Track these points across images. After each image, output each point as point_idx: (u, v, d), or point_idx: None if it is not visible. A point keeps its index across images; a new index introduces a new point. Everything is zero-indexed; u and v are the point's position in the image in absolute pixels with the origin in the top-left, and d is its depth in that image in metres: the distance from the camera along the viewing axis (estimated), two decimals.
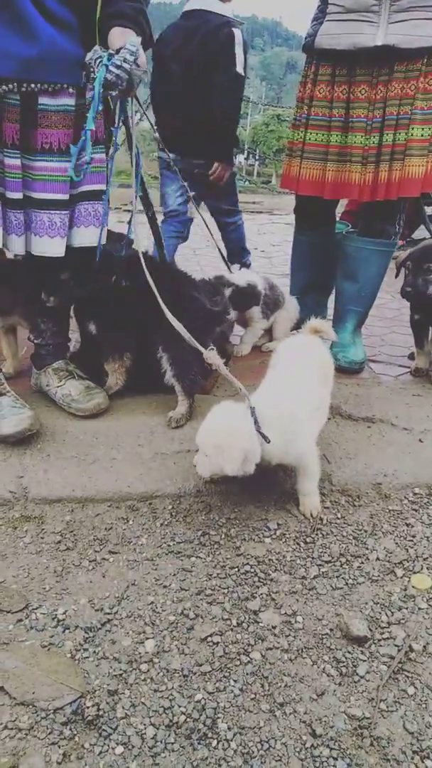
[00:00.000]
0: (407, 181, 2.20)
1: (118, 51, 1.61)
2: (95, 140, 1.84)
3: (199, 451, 1.64)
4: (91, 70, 1.65)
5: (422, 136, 2.16)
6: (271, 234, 5.87)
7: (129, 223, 2.00)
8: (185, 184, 2.72)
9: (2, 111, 1.68)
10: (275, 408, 1.65)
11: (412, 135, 2.15)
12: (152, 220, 2.20)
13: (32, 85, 1.67)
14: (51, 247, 1.84)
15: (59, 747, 1.09)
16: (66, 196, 1.82)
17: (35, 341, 2.16)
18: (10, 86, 1.65)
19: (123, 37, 1.64)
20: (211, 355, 1.78)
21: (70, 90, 1.74)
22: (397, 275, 2.43)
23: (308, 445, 1.69)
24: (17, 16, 1.58)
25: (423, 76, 2.11)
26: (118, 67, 1.60)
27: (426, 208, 5.88)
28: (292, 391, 1.70)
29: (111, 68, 1.60)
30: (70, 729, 1.13)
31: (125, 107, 1.78)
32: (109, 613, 1.38)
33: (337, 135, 2.27)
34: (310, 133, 2.33)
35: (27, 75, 1.65)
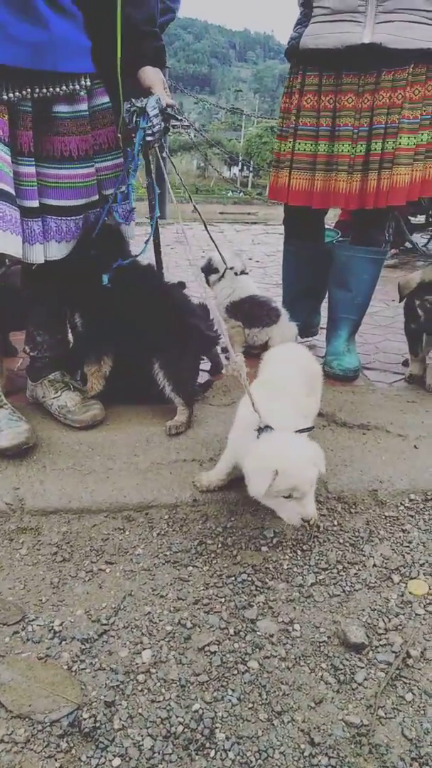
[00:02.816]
0: (395, 189, 2.23)
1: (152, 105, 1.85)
2: (108, 147, 1.91)
3: (291, 504, 1.43)
4: (129, 122, 1.84)
5: (408, 144, 2.19)
6: (266, 244, 5.91)
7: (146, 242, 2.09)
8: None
9: (16, 119, 1.69)
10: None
11: (400, 144, 2.18)
12: (155, 232, 2.23)
13: (44, 90, 1.68)
14: (68, 249, 1.90)
15: (56, 760, 1.09)
16: (96, 197, 1.89)
17: (31, 354, 2.16)
18: (24, 92, 1.65)
19: (159, 85, 1.88)
20: (239, 362, 1.82)
21: (82, 94, 1.76)
22: (401, 300, 2.43)
23: None
24: (25, 3, 1.58)
25: (410, 86, 2.13)
26: (154, 133, 1.83)
27: (416, 217, 5.97)
28: (278, 402, 1.70)
29: (148, 134, 1.83)
30: (67, 741, 1.12)
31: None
32: (105, 624, 1.38)
33: (324, 144, 2.29)
34: (299, 144, 2.35)
35: (39, 64, 1.63)
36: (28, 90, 1.66)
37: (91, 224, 1.94)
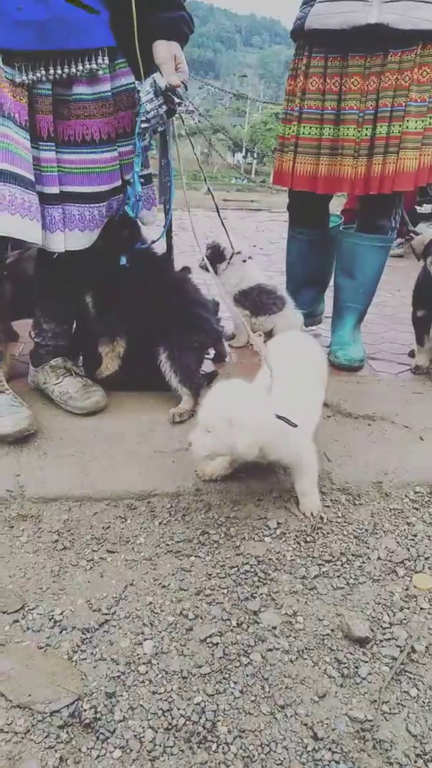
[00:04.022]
0: (401, 174, 2.18)
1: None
2: (131, 130, 1.82)
3: (198, 428, 1.56)
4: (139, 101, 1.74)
5: (416, 128, 2.14)
6: (270, 231, 5.85)
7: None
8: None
9: (34, 102, 1.64)
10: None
11: (407, 127, 2.13)
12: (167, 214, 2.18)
13: (59, 71, 1.62)
14: (91, 239, 1.85)
15: (56, 751, 1.07)
16: (119, 182, 1.83)
17: (35, 339, 2.14)
18: (38, 75, 1.60)
19: (169, 62, 1.70)
20: (258, 341, 1.82)
21: (101, 73, 1.69)
22: (419, 258, 2.40)
23: (303, 442, 1.66)
24: None
25: (417, 67, 2.08)
26: (148, 119, 1.73)
27: (421, 206, 5.90)
28: (284, 390, 1.67)
29: (143, 121, 1.73)
30: (67, 732, 1.11)
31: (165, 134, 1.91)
32: (106, 614, 1.36)
33: (329, 128, 2.25)
34: (304, 127, 2.30)
35: (45, 44, 1.57)
36: (43, 72, 1.61)
37: (114, 212, 1.90)
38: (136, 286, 2.03)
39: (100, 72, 1.69)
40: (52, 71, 1.62)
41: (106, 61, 1.69)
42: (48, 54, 1.60)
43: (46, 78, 1.62)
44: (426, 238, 2.37)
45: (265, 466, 1.82)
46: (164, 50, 1.71)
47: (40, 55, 1.59)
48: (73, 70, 1.64)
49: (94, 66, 1.66)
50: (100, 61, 1.67)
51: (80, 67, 1.65)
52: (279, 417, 1.53)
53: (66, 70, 1.63)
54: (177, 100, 1.73)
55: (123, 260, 1.92)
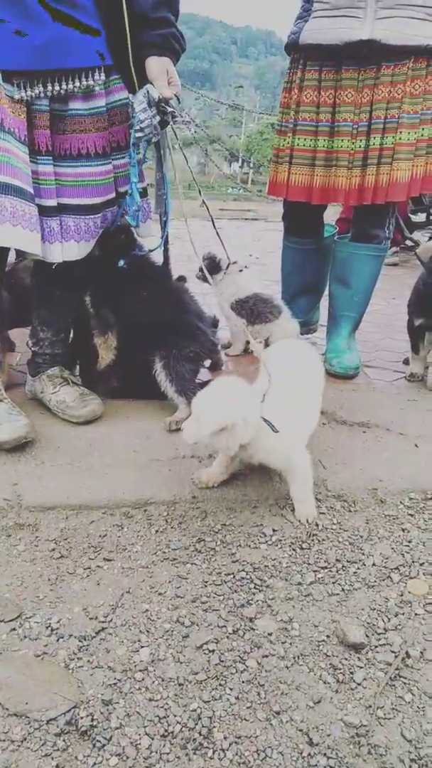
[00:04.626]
0: (395, 185, 2.22)
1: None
2: (125, 144, 1.86)
3: (191, 417, 1.61)
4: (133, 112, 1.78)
5: (408, 140, 2.18)
6: (266, 241, 5.89)
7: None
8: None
9: (32, 118, 1.68)
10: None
11: (400, 139, 2.17)
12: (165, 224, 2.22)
13: (57, 87, 1.65)
14: (86, 250, 1.89)
15: (52, 759, 1.08)
16: (113, 195, 1.87)
17: (32, 348, 2.15)
18: (36, 91, 1.64)
19: (161, 77, 1.77)
20: (258, 347, 1.90)
21: (98, 89, 1.73)
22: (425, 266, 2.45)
23: (294, 448, 1.68)
24: (25, 8, 1.57)
25: (410, 80, 2.13)
26: (142, 129, 1.76)
27: (416, 215, 5.95)
28: (277, 395, 1.69)
29: (137, 130, 1.77)
30: (64, 740, 1.11)
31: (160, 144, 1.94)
32: (103, 622, 1.37)
33: (323, 140, 2.29)
34: (298, 139, 2.34)
35: (45, 64, 1.61)
36: (41, 88, 1.65)
37: (109, 223, 1.93)
38: (133, 295, 2.05)
39: (96, 88, 1.73)
40: (50, 88, 1.66)
41: (102, 77, 1.73)
42: (47, 72, 1.64)
43: (44, 95, 1.66)
44: None
45: (261, 471, 1.83)
46: (156, 66, 1.77)
47: (39, 73, 1.63)
48: (71, 86, 1.68)
49: (91, 82, 1.70)
50: (96, 77, 1.71)
51: (77, 84, 1.68)
52: (264, 420, 1.55)
53: (64, 87, 1.67)
54: (170, 110, 1.77)
55: (121, 263, 1.95)
